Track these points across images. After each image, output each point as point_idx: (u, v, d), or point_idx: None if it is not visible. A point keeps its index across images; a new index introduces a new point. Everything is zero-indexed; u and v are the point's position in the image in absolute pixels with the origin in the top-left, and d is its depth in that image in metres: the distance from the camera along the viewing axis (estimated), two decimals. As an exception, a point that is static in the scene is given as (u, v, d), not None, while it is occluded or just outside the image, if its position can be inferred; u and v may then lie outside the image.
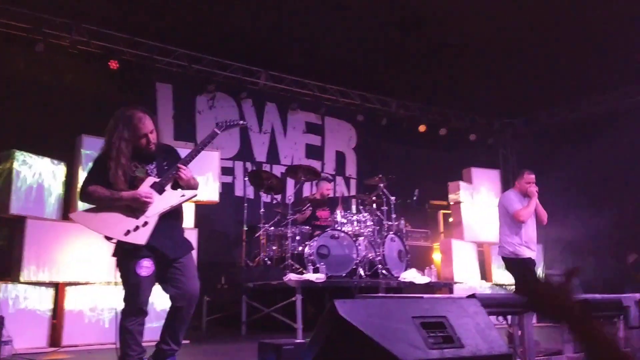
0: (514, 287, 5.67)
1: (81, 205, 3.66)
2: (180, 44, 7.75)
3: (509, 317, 3.77)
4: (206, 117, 8.35)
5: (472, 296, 3.04)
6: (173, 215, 3.31)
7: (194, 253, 5.61)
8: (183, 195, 3.31)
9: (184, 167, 3.28)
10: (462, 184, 8.07)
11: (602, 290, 6.38)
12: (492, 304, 3.07)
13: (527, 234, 5.38)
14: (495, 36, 7.44)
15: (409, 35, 7.44)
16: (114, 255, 3.25)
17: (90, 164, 3.39)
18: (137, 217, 3.13)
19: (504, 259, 5.51)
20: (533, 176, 5.45)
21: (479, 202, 8.16)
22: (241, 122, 3.85)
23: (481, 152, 10.19)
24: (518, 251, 5.33)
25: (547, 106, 9.87)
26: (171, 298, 3.27)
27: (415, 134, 9.86)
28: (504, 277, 7.86)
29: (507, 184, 9.11)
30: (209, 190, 6.20)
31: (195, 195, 3.42)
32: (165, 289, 3.28)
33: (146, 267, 3.12)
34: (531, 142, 10.32)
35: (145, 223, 3.14)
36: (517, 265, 5.36)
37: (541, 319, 4.05)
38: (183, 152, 3.70)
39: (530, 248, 5.38)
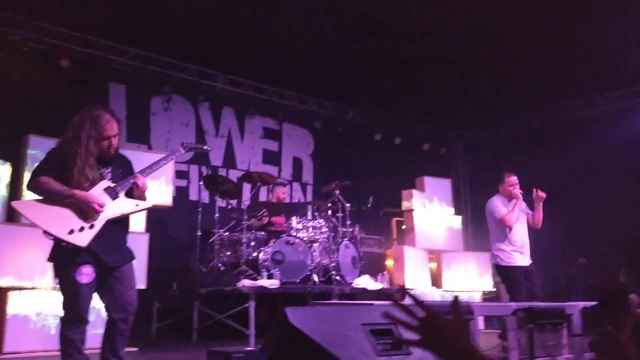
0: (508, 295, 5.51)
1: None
2: (136, 44, 7.61)
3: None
4: (161, 119, 8.22)
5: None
6: (120, 222, 3.23)
7: (144, 259, 5.57)
8: (137, 205, 3.25)
9: (142, 176, 3.25)
10: (415, 192, 8.25)
11: (548, 298, 6.63)
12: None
13: (516, 238, 5.30)
14: (450, 49, 7.65)
15: (367, 43, 7.55)
16: (50, 260, 3.11)
17: (46, 155, 3.25)
18: (84, 219, 3.04)
19: (495, 266, 5.45)
20: (514, 178, 5.39)
21: (431, 210, 8.36)
22: (206, 147, 3.92)
23: (434, 162, 10.43)
24: (509, 258, 5.25)
25: (497, 119, 10.20)
26: (107, 308, 3.16)
27: (371, 142, 10.00)
28: (454, 283, 8.08)
29: (458, 193, 9.35)
30: (162, 194, 6.10)
31: (149, 207, 3.38)
32: (102, 298, 3.16)
33: (86, 274, 3.00)
34: (482, 153, 10.64)
35: (92, 226, 3.04)
36: (507, 274, 5.30)
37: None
38: (135, 154, 3.66)
39: (521, 252, 5.29)
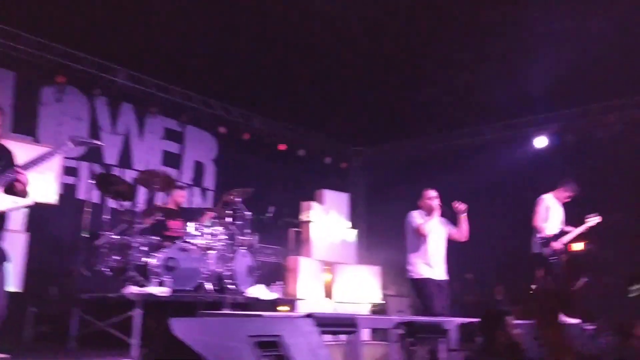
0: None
1: None
2: (28, 29, 7.07)
3: (341, 336, 3.96)
4: (51, 110, 7.68)
5: (309, 316, 3.17)
6: None
7: (21, 260, 5.16)
8: (16, 202, 3.02)
9: (23, 172, 3.02)
10: (314, 204, 8.40)
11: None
12: (326, 324, 3.22)
13: (431, 252, 5.44)
14: (355, 68, 7.92)
15: (277, 55, 7.61)
16: None
17: None
18: None
19: (409, 280, 5.53)
20: (432, 191, 5.61)
21: (328, 223, 8.55)
22: (98, 142, 3.71)
23: (334, 175, 10.69)
24: (421, 270, 5.35)
25: (396, 138, 10.71)
26: None
27: (275, 152, 10.04)
28: (345, 295, 8.29)
29: (355, 207, 9.63)
30: (46, 190, 5.70)
31: (30, 205, 3.15)
32: None
33: None
34: (380, 171, 11.07)
35: None
36: (419, 287, 5.39)
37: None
38: (20, 147, 3.40)
39: (434, 266, 5.42)
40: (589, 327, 5.70)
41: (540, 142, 9.39)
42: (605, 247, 8.17)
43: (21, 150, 3.41)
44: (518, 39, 7.02)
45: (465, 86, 8.24)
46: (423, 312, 5.38)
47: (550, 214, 6.27)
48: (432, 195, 5.63)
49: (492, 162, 9.50)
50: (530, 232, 6.47)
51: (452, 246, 9.02)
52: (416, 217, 5.58)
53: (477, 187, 9.38)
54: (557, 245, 6.11)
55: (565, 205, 6.50)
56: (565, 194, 6.38)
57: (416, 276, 5.43)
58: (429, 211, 5.59)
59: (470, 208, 9.28)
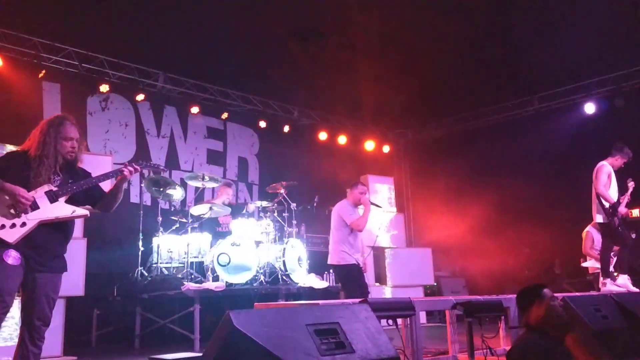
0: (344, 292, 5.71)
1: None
2: (71, 42, 7.32)
3: (398, 320, 3.94)
4: (98, 118, 7.94)
5: (364, 301, 3.17)
6: (58, 228, 3.16)
7: (81, 265, 5.36)
8: (74, 212, 3.18)
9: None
10: (359, 190, 8.34)
11: (490, 290, 6.84)
12: (382, 308, 3.21)
13: (357, 242, 5.55)
14: (386, 53, 7.82)
15: (309, 45, 7.61)
16: None
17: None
18: (19, 216, 3.02)
19: (332, 266, 5.59)
20: (363, 186, 5.72)
21: (374, 208, 8.47)
22: (162, 167, 3.92)
23: (377, 160, 10.60)
24: (345, 258, 5.42)
25: (437, 118, 10.53)
26: (23, 312, 3.07)
27: (316, 141, 10.05)
28: (398, 279, 8.24)
29: (400, 190, 9.57)
30: (101, 197, 5.89)
31: (86, 216, 3.30)
32: (21, 301, 3.09)
33: (14, 257, 2.96)
34: (422, 151, 10.91)
35: (24, 224, 3.02)
36: (344, 271, 5.48)
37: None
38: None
39: (355, 254, 5.49)
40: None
41: (589, 108, 9.02)
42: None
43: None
44: (560, 4, 6.76)
45: (511, 58, 8.00)
46: (346, 295, 5.49)
47: (611, 180, 5.99)
48: (364, 190, 5.68)
49: (541, 132, 9.22)
50: (586, 201, 6.20)
51: (508, 221, 8.83)
52: (351, 212, 5.56)
53: (528, 159, 9.13)
54: (623, 211, 5.85)
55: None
56: (620, 160, 6.07)
57: (343, 262, 5.46)
58: (356, 203, 5.62)
59: (522, 180, 9.09)
